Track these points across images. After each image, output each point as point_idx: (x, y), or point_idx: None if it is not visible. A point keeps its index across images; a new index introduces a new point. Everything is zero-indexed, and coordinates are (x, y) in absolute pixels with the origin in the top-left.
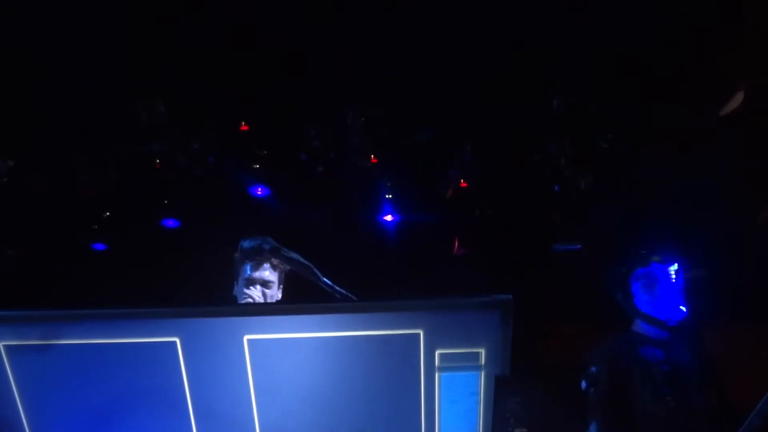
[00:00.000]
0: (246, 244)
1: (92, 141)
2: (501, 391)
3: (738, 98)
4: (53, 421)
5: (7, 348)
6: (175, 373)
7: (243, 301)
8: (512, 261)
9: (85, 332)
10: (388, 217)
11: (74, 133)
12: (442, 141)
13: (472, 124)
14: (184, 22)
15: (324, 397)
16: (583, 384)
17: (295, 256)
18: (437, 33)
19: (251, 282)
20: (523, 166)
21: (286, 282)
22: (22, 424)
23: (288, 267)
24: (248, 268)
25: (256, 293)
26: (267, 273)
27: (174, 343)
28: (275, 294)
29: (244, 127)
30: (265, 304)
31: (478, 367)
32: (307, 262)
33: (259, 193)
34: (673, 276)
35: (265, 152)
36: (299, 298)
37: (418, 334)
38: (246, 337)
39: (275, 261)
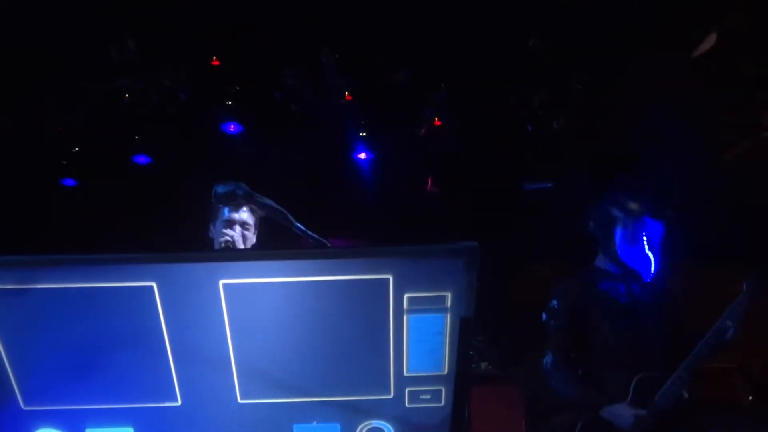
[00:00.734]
0: (219, 189)
1: (62, 77)
2: (465, 331)
3: (711, 39)
4: (34, 365)
5: None
6: (152, 317)
7: (222, 241)
8: (484, 199)
9: (64, 277)
10: (362, 155)
11: (43, 69)
12: (417, 80)
13: (446, 63)
14: None
15: (298, 338)
16: (544, 316)
17: (268, 201)
18: None
19: (230, 223)
20: (496, 106)
21: (260, 226)
22: (5, 367)
23: (262, 212)
24: (226, 210)
25: (235, 234)
26: (245, 215)
27: (151, 287)
28: (252, 237)
29: (215, 62)
30: (240, 249)
31: (445, 310)
32: (280, 208)
33: (231, 129)
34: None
35: (238, 88)
36: (272, 242)
37: (388, 279)
38: (221, 282)
39: (250, 205)
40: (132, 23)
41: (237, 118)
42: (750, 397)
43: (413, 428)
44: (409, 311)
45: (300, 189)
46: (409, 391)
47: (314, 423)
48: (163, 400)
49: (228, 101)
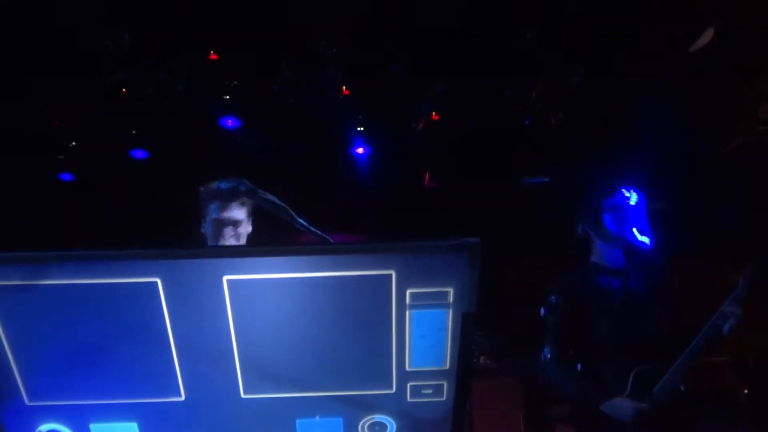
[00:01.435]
0: (222, 185)
1: (59, 71)
2: (467, 327)
3: (708, 34)
4: (39, 360)
5: None
6: (156, 313)
7: (220, 242)
8: (482, 193)
9: (68, 273)
10: (360, 150)
11: (40, 63)
12: (414, 73)
13: (444, 57)
14: None
15: (300, 333)
16: (542, 311)
17: (270, 197)
18: None
19: (221, 224)
20: (494, 100)
21: (262, 222)
22: (9, 363)
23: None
24: (214, 208)
25: (229, 233)
26: (235, 212)
27: (155, 283)
28: (244, 233)
29: (213, 56)
30: (244, 246)
31: (447, 305)
32: (282, 203)
33: (229, 124)
34: (634, 201)
35: (235, 83)
36: (275, 238)
37: (391, 275)
38: (225, 278)
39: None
40: (129, 16)
41: (235, 113)
42: (745, 390)
43: (415, 422)
44: (412, 307)
45: (297, 183)
46: (411, 386)
47: (317, 418)
48: (167, 396)
49: (226, 95)
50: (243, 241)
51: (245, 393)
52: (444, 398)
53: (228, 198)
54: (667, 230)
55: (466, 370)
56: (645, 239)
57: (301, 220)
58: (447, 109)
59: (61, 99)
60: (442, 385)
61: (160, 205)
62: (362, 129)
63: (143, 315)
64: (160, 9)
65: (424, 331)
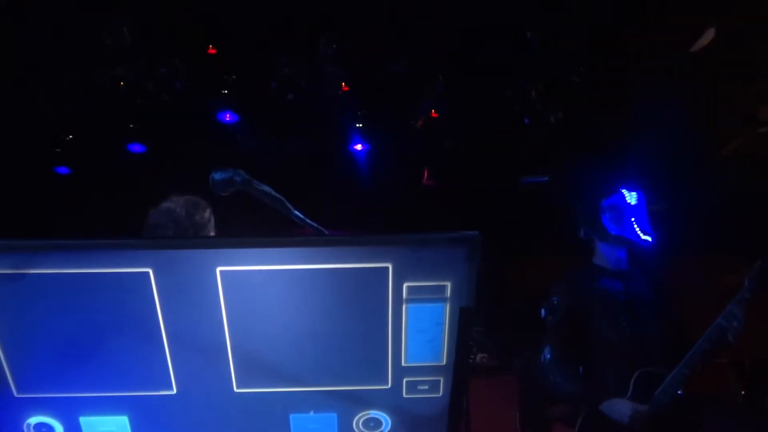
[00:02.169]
0: (217, 176)
1: (56, 65)
2: (465, 322)
3: (709, 35)
4: (28, 351)
5: None
6: (148, 304)
7: None
8: (481, 192)
9: (58, 262)
10: (359, 147)
11: (38, 57)
12: (414, 71)
13: (444, 55)
14: None
15: (295, 327)
16: (543, 312)
17: (266, 189)
18: None
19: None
20: (494, 98)
21: (257, 215)
22: None
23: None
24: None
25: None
26: None
27: (147, 273)
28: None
29: (212, 51)
30: (238, 236)
31: (444, 299)
32: (278, 195)
33: (227, 119)
34: (634, 201)
35: (234, 77)
36: (270, 230)
37: (387, 268)
38: (218, 269)
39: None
40: (128, 11)
41: (233, 108)
42: (742, 392)
43: (411, 419)
44: (409, 300)
45: (295, 179)
46: (407, 382)
47: (311, 413)
48: (159, 389)
49: (224, 90)
50: None
51: (238, 387)
52: (440, 395)
53: (223, 189)
54: (668, 231)
55: (463, 366)
56: (647, 237)
57: (297, 213)
58: (446, 106)
59: (59, 93)
60: (439, 381)
61: (157, 199)
62: (361, 126)
63: (135, 306)
64: (159, 3)
65: (421, 325)
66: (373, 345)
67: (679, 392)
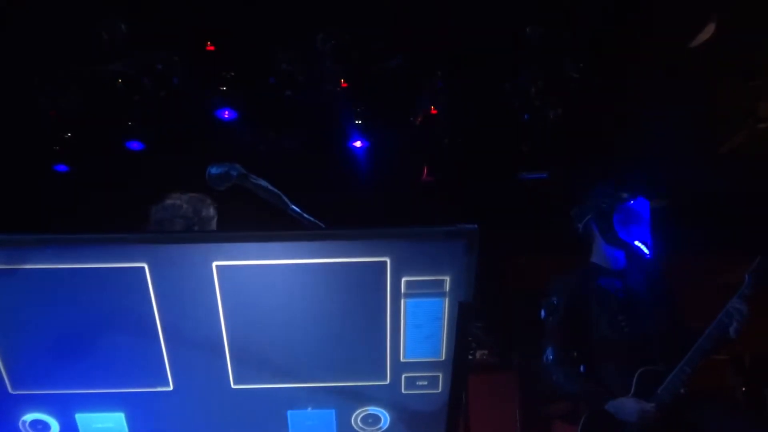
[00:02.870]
0: (213, 170)
1: (53, 62)
2: (464, 317)
3: (709, 30)
4: (22, 348)
5: None
6: (143, 299)
7: None
8: (480, 188)
9: (52, 257)
10: (358, 143)
11: (35, 54)
12: (413, 68)
13: (443, 51)
14: None
15: (292, 322)
16: (542, 313)
17: (263, 183)
18: None
19: None
20: (493, 94)
21: (253, 210)
22: None
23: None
24: None
25: None
26: None
27: (142, 268)
28: None
29: (210, 47)
30: (234, 230)
31: (443, 294)
32: (275, 189)
33: (226, 116)
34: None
35: (232, 74)
36: (267, 225)
37: (385, 262)
38: (215, 263)
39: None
40: (124, 6)
41: (231, 104)
42: (743, 389)
43: (410, 415)
44: (407, 295)
45: (294, 176)
46: (406, 377)
47: (309, 409)
48: (155, 385)
49: (222, 87)
50: None
51: (235, 383)
52: (439, 390)
53: (219, 183)
54: (667, 228)
55: (462, 362)
56: (646, 250)
57: (294, 207)
58: (445, 103)
59: (57, 90)
60: (438, 376)
61: (156, 196)
62: (360, 122)
63: (130, 301)
64: None
65: (419, 320)
66: (371, 340)
67: (681, 390)
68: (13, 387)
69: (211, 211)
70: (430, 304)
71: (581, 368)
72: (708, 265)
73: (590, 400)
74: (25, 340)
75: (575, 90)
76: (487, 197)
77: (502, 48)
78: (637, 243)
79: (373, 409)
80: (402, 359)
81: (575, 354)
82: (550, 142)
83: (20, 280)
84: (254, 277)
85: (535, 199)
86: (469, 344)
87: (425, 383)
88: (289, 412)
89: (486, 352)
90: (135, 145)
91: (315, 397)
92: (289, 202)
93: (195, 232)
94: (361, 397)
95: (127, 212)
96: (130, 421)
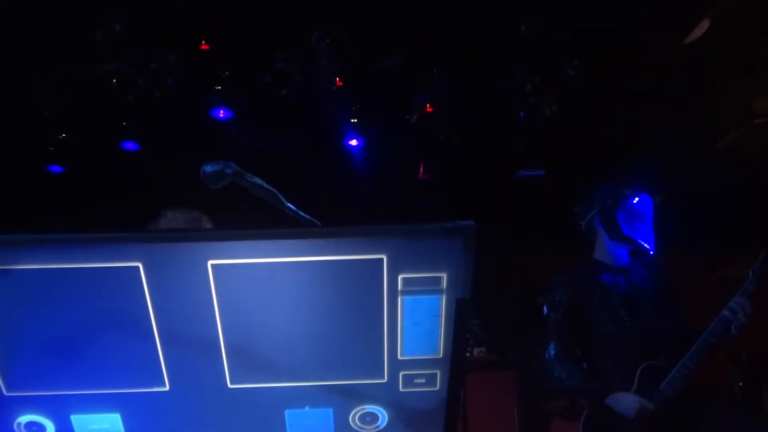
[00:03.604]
0: (208, 168)
1: (48, 62)
2: (462, 314)
3: (703, 26)
4: (16, 348)
5: None
6: (138, 298)
7: None
8: (477, 186)
9: (46, 257)
10: (353, 142)
11: (29, 54)
12: (409, 66)
13: (439, 49)
14: None
15: (289, 320)
16: (545, 309)
17: (258, 181)
18: None
19: None
20: (489, 92)
21: (249, 208)
22: None
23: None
24: None
25: None
26: None
27: (137, 268)
28: None
29: (204, 47)
30: (229, 229)
31: (440, 291)
32: (270, 187)
33: (221, 115)
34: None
35: (227, 73)
36: (262, 223)
37: (382, 259)
38: (210, 262)
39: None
40: (119, 6)
41: (226, 103)
42: (740, 384)
43: (408, 413)
44: (404, 292)
45: (290, 175)
46: (404, 375)
47: (306, 408)
48: (151, 385)
49: (217, 86)
50: None
51: (232, 383)
52: (437, 388)
53: (214, 181)
54: (669, 225)
55: (460, 359)
56: (649, 247)
57: (289, 204)
58: (441, 101)
59: (51, 90)
60: (436, 374)
61: (150, 197)
62: (356, 121)
63: (125, 301)
64: None
65: (417, 318)
66: (369, 338)
67: (683, 385)
68: (8, 389)
69: (209, 226)
70: (427, 301)
71: (584, 364)
72: (709, 260)
73: (592, 396)
74: (19, 341)
75: (571, 87)
76: (483, 194)
77: (498, 45)
78: (640, 240)
79: (370, 408)
80: (399, 357)
81: (578, 350)
82: (546, 139)
83: (14, 280)
84: (250, 275)
85: (533, 196)
86: (467, 341)
87: (423, 381)
88: (286, 411)
89: (484, 349)
90: (130, 146)
91: (312, 396)
92: (284, 200)
93: (190, 231)
94: (359, 395)
95: (121, 212)
96: (126, 421)
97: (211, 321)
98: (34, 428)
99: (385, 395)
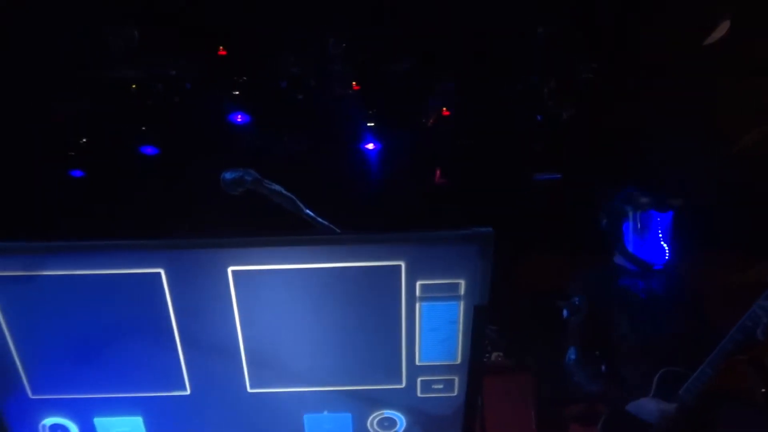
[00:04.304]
0: (228, 175)
1: (67, 68)
2: (479, 320)
3: (723, 27)
4: (42, 353)
5: None
6: (160, 304)
7: None
8: (493, 190)
9: (71, 263)
10: (370, 146)
11: (49, 60)
12: (424, 69)
13: (455, 52)
14: None
15: (308, 326)
16: (565, 313)
17: (277, 188)
18: None
19: None
20: (505, 95)
21: (267, 214)
22: (12, 356)
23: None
24: None
25: None
26: None
27: (159, 274)
28: None
29: (222, 52)
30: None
31: (458, 297)
32: (289, 194)
33: (239, 120)
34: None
35: (245, 78)
36: (282, 229)
37: (400, 266)
38: (230, 268)
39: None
40: (137, 13)
41: (244, 108)
42: (762, 390)
43: (426, 419)
44: (422, 299)
45: (306, 179)
46: (422, 381)
47: (325, 413)
48: (172, 389)
49: (235, 91)
50: None
51: (252, 387)
52: (455, 394)
53: (233, 188)
54: (688, 229)
55: (478, 365)
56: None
57: (308, 211)
58: (458, 104)
59: (72, 96)
60: (454, 380)
61: (170, 201)
62: (372, 124)
63: (147, 307)
64: (168, 5)
65: (434, 324)
66: (387, 344)
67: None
68: (33, 392)
69: None
70: (445, 307)
71: (602, 368)
72: (729, 265)
73: (611, 401)
74: (44, 346)
75: (588, 90)
76: (500, 198)
77: (515, 48)
78: (644, 257)
79: (389, 413)
80: (417, 363)
81: (597, 354)
82: (563, 142)
83: (39, 286)
84: (269, 281)
85: (550, 199)
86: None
87: (441, 387)
88: (305, 416)
89: (501, 354)
90: (149, 150)
91: (331, 401)
92: (303, 206)
93: (210, 238)
94: (377, 400)
95: (141, 216)
96: (148, 424)
97: (231, 326)
98: (59, 430)
99: (403, 401)
